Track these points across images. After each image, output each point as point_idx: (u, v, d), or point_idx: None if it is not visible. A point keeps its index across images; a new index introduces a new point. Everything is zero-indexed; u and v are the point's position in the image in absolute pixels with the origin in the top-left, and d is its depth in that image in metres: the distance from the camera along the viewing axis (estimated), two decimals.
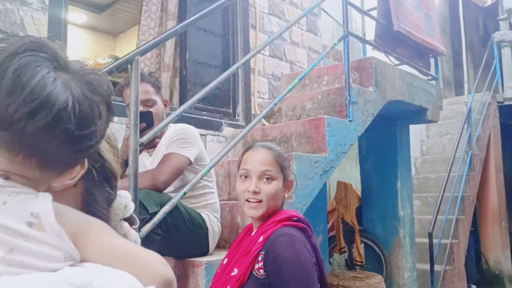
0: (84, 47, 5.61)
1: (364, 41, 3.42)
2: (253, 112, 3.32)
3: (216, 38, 3.28)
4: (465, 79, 6.14)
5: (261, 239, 1.38)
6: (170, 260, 1.97)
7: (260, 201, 1.42)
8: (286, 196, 1.51)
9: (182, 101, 3.01)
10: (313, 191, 2.48)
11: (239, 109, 3.29)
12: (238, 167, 1.50)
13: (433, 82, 3.82)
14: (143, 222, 1.68)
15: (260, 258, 1.34)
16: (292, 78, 3.32)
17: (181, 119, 2.87)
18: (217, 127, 3.06)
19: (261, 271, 1.32)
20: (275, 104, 2.35)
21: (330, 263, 4.35)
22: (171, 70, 3.09)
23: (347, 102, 2.77)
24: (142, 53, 1.76)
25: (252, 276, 1.34)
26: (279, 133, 2.84)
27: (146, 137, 1.73)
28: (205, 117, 3.02)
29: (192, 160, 1.93)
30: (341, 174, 5.46)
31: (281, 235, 1.33)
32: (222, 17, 3.33)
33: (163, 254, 1.86)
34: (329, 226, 4.08)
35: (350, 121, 2.77)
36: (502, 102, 6.00)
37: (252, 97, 3.35)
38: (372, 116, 2.99)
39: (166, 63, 3.09)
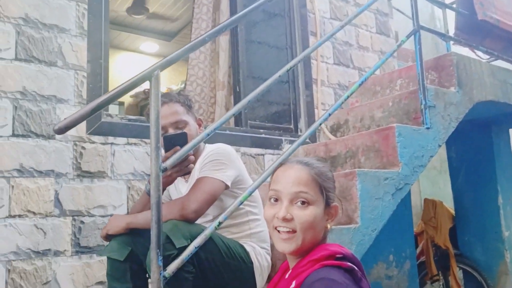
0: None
1: (439, 34, 2.96)
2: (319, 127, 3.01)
3: (272, 50, 3.04)
4: None
5: (293, 285, 1.08)
6: None
7: (294, 231, 1.12)
8: (329, 226, 1.19)
9: (237, 119, 2.81)
10: (384, 214, 2.10)
11: (301, 124, 3.00)
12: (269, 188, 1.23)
13: None
14: (170, 259, 1.46)
15: None
16: (362, 86, 2.98)
17: (235, 139, 2.68)
18: (276, 145, 2.80)
19: None
20: (330, 115, 2.02)
21: None
22: (226, 88, 2.91)
23: (422, 106, 2.36)
24: (163, 67, 1.56)
25: None
26: (344, 148, 2.50)
27: (170, 161, 1.51)
28: (263, 135, 2.78)
29: (229, 184, 1.68)
30: (434, 190, 4.87)
31: (317, 281, 1.01)
32: (277, 26, 3.09)
33: None
34: (418, 250, 3.58)
35: (427, 128, 2.36)
36: None
37: (316, 110, 3.04)
38: (456, 122, 2.53)
39: (220, 81, 2.91)
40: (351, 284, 1.04)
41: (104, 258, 2.03)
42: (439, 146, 2.43)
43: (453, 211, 3.70)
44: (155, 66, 1.53)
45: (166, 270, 1.44)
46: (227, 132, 2.63)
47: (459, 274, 3.54)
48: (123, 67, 5.60)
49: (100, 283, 2.09)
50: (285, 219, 1.12)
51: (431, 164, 4.63)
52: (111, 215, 2.11)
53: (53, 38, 2.13)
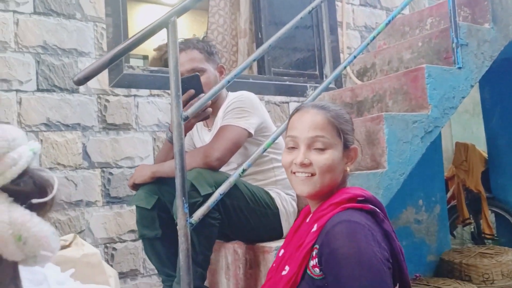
0: (180, 26, 5.62)
1: None
2: (343, 71, 2.92)
3: None
4: None
5: (315, 228, 1.07)
6: (240, 244, 1.76)
7: (313, 175, 1.11)
8: (348, 169, 1.17)
9: (261, 67, 2.75)
10: (412, 157, 2.05)
11: (327, 69, 2.91)
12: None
13: None
14: (195, 206, 1.48)
15: (314, 253, 1.03)
16: (389, 27, 2.84)
17: (259, 87, 2.63)
18: (301, 92, 2.74)
19: (317, 270, 1.02)
20: (355, 57, 1.95)
21: (453, 236, 3.79)
22: (248, 35, 2.83)
23: (453, 45, 2.24)
24: (179, 13, 1.52)
25: (307, 276, 1.04)
26: (371, 92, 2.43)
27: (191, 110, 1.50)
28: (287, 83, 2.72)
29: (252, 131, 1.66)
30: (466, 134, 4.73)
31: (339, 223, 1.00)
32: None
33: (230, 239, 1.67)
34: (449, 194, 3.54)
35: (459, 68, 2.25)
36: None
37: (341, 54, 2.94)
38: (490, 60, 2.40)
39: (242, 28, 2.84)
40: (373, 225, 1.02)
41: (134, 207, 2.09)
42: (472, 86, 2.32)
43: (485, 155, 3.61)
44: (171, 12, 1.49)
45: (192, 217, 1.47)
46: (251, 80, 2.59)
47: (491, 217, 3.49)
48: (144, 19, 5.53)
49: (132, 231, 2.16)
50: (303, 164, 1.10)
51: (463, 108, 4.48)
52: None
53: None
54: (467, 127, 4.85)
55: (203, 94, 1.57)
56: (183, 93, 1.54)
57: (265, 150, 1.63)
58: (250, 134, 1.67)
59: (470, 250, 3.14)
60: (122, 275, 2.12)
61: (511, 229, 3.34)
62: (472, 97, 3.82)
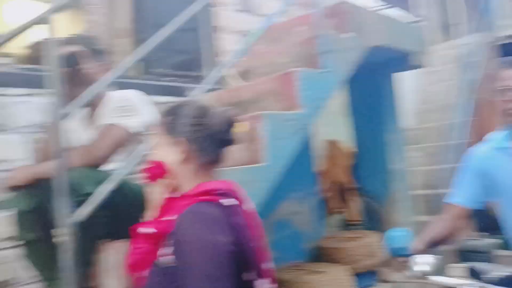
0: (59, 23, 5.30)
1: None
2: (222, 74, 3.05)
3: None
4: (452, 21, 5.77)
5: (168, 218, 1.11)
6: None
7: None
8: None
9: (147, 69, 2.76)
10: (288, 153, 2.25)
11: (205, 71, 3.02)
12: None
13: (419, 24, 3.51)
14: (78, 205, 1.46)
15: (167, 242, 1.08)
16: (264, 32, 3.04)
17: (139, 87, 2.62)
18: (182, 93, 2.81)
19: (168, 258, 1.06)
20: (236, 60, 2.09)
21: (328, 225, 4.16)
22: (126, 36, 2.82)
23: (320, 51, 2.50)
24: (59, 10, 1.50)
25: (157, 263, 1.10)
26: (249, 93, 2.59)
27: (68, 109, 1.49)
28: (168, 83, 2.77)
29: (133, 130, 1.69)
30: (333, 132, 5.19)
31: (186, 213, 1.06)
32: None
33: (118, 237, 1.66)
34: (321, 187, 3.88)
35: (327, 72, 2.51)
36: (496, 42, 5.63)
37: (218, 58, 3.07)
38: (352, 65, 2.72)
39: (119, 28, 2.81)
40: (219, 217, 1.07)
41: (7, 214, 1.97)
42: (338, 88, 2.61)
43: (350, 149, 4.03)
44: (49, 9, 1.46)
45: (76, 215, 1.45)
46: (132, 80, 2.59)
47: (358, 206, 3.91)
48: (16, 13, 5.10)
49: (10, 238, 2.02)
50: None
51: (331, 108, 4.92)
52: (9, 170, 2.02)
53: None
54: (335, 126, 5.33)
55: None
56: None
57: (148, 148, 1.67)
58: (131, 133, 1.69)
59: (340, 236, 3.49)
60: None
61: (374, 215, 3.78)
62: (338, 97, 4.23)
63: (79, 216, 1.45)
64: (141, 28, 2.78)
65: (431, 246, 1.59)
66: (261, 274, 1.14)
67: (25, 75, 2.14)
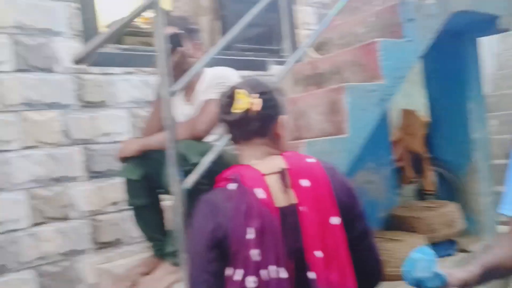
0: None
1: None
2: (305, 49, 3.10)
3: None
4: None
5: None
6: None
7: None
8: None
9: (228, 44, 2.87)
10: (369, 124, 2.29)
11: (285, 45, 3.08)
12: None
13: None
14: (187, 173, 1.63)
15: None
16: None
17: (222, 62, 2.75)
18: (263, 67, 2.90)
19: None
20: (318, 32, 2.14)
21: (399, 195, 4.17)
22: (209, 13, 2.94)
23: (402, 20, 2.48)
24: None
25: None
26: (329, 65, 2.63)
27: (177, 86, 1.63)
28: (249, 58, 2.87)
29: None
30: (407, 101, 5.10)
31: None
32: None
33: None
34: (396, 157, 3.88)
35: (407, 41, 2.49)
36: None
37: (298, 30, 3.12)
38: (433, 33, 2.67)
39: (203, 6, 2.93)
40: (222, 203, 1.08)
41: (115, 181, 2.21)
42: (418, 58, 2.59)
43: (426, 119, 3.97)
44: None
45: (185, 183, 1.62)
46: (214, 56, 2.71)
47: (432, 175, 3.88)
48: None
49: (114, 203, 2.27)
50: None
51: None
52: (117, 142, 2.25)
53: None
54: (408, 95, 5.23)
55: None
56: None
57: None
58: None
59: (415, 205, 3.50)
60: (107, 245, 2.24)
61: (449, 186, 3.74)
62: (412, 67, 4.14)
63: (187, 184, 1.61)
64: (221, 6, 2.88)
65: (487, 278, 1.11)
66: (247, 267, 1.01)
67: (125, 55, 2.32)
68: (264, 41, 3.05)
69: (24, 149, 2.03)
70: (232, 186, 1.11)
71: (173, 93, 1.59)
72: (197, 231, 1.08)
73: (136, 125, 2.35)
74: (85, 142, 2.20)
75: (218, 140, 1.82)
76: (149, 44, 4.29)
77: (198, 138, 1.73)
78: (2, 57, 1.99)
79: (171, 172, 1.57)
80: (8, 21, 2.02)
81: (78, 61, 1.43)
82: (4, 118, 1.98)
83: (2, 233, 1.94)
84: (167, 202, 1.91)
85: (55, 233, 2.08)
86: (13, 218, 1.97)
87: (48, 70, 2.11)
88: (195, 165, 1.65)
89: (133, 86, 2.35)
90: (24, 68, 2.05)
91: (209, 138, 1.87)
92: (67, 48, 2.14)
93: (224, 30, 2.92)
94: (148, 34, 2.86)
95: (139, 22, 4.84)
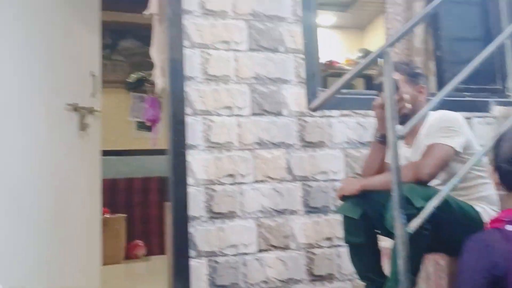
0: (334, 46, 5.87)
1: None
2: None
3: (472, 7, 2.93)
4: None
5: None
6: (442, 256, 1.86)
7: None
8: None
9: (440, 84, 2.81)
10: None
11: (510, 83, 2.85)
12: None
13: None
14: (410, 217, 1.63)
15: None
16: None
17: (439, 105, 2.67)
18: (483, 108, 2.73)
19: None
20: None
21: None
22: (423, 54, 2.92)
23: None
24: (392, 45, 1.71)
25: None
26: None
27: (405, 129, 1.67)
28: (468, 98, 2.74)
29: (459, 149, 1.77)
30: None
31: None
32: None
33: (435, 251, 1.79)
34: None
35: None
36: None
37: None
38: None
39: (417, 47, 2.93)
40: (493, 243, 1.13)
41: (329, 217, 2.33)
42: None
43: None
44: (385, 45, 1.68)
45: (408, 227, 1.62)
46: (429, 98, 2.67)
47: None
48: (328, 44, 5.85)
49: (328, 238, 2.39)
50: None
51: None
52: (332, 180, 2.39)
53: (275, 27, 2.44)
54: None
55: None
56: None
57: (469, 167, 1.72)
58: (457, 152, 1.77)
59: None
60: (321, 278, 2.36)
61: None
62: None
63: (411, 228, 1.61)
64: (436, 46, 2.84)
65: None
66: None
67: (343, 98, 2.48)
68: (485, 79, 2.87)
69: (255, 183, 2.32)
70: (510, 227, 1.16)
71: (401, 137, 1.63)
72: (469, 268, 1.17)
73: (349, 164, 2.46)
74: (304, 179, 2.41)
75: (442, 185, 1.79)
76: (355, 87, 4.46)
77: (422, 182, 1.72)
78: (243, 103, 2.35)
79: (395, 214, 1.59)
80: (249, 74, 2.38)
81: (315, 109, 1.60)
82: (242, 155, 2.32)
83: (236, 255, 2.24)
84: (383, 243, 1.93)
85: (277, 261, 2.30)
86: (244, 242, 2.26)
87: (278, 114, 2.40)
88: (419, 209, 1.64)
89: (348, 127, 2.48)
90: (258, 112, 2.37)
91: (432, 183, 1.85)
92: (294, 94, 2.42)
93: (439, 71, 2.86)
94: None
95: (344, 64, 5.08)
